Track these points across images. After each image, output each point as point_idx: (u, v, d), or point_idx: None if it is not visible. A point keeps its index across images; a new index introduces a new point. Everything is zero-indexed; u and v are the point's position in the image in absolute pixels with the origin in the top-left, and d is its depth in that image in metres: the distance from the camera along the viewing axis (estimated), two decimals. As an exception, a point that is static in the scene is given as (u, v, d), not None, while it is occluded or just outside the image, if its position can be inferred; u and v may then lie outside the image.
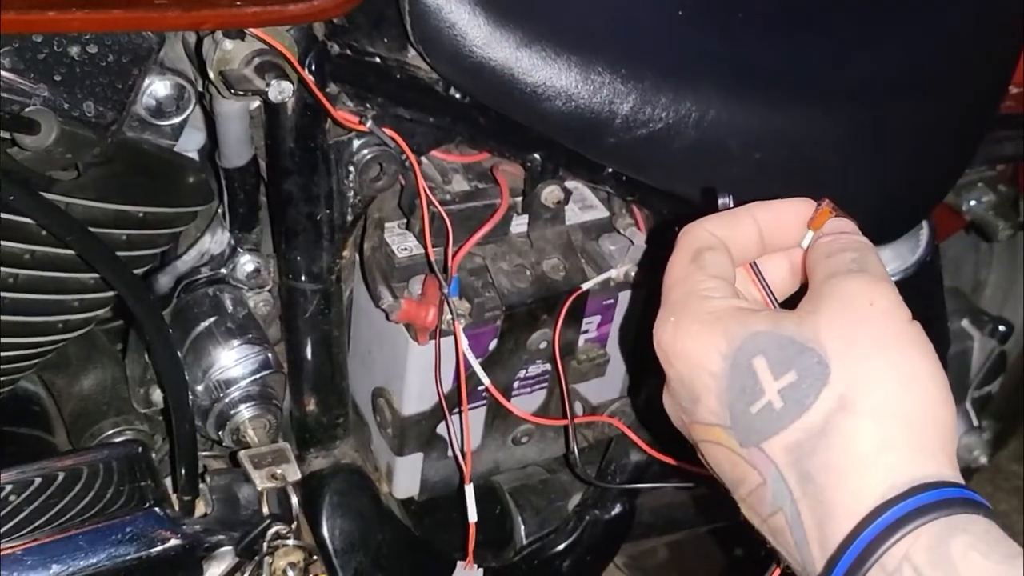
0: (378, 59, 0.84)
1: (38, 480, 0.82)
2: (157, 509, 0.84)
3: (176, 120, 0.79)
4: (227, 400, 0.89)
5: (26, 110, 0.70)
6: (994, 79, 1.09)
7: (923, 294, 1.23)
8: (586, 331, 1.03)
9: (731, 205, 0.63)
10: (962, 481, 0.49)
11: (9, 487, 0.81)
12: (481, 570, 1.07)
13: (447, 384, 0.96)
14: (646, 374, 1.07)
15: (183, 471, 0.85)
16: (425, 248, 0.90)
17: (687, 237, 0.61)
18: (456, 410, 0.97)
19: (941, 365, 0.51)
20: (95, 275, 0.79)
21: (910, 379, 0.50)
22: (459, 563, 1.05)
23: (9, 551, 0.79)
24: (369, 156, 0.86)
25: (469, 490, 0.97)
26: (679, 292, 0.57)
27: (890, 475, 0.48)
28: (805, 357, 0.50)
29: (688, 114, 0.89)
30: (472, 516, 0.97)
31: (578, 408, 1.08)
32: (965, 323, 1.47)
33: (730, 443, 0.52)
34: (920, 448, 0.49)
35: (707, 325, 0.53)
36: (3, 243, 0.73)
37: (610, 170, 0.96)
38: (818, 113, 0.96)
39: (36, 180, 0.72)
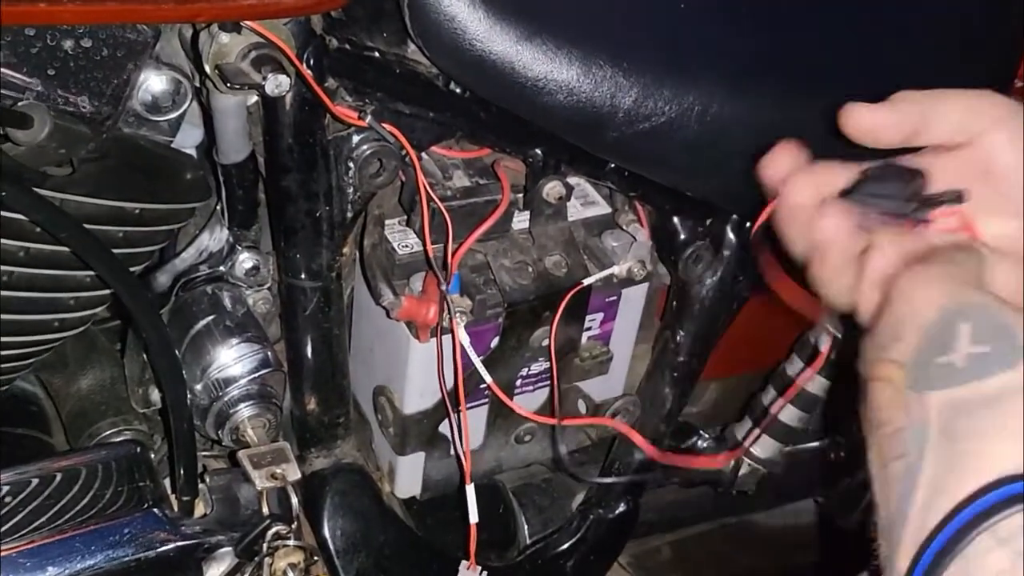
0: (377, 53, 0.82)
1: (35, 481, 0.80)
2: (156, 510, 0.83)
3: (172, 115, 0.77)
4: (226, 399, 0.87)
5: (19, 104, 0.68)
6: (998, 72, 1.07)
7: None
8: (589, 328, 1.01)
9: None
10: None
11: (6, 488, 0.79)
12: (484, 572, 1.05)
13: (450, 382, 0.94)
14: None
15: (182, 471, 0.84)
16: (424, 245, 0.88)
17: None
18: (457, 408, 0.95)
19: None
20: (91, 273, 0.77)
21: None
22: (462, 564, 1.03)
23: (6, 553, 0.77)
24: (369, 152, 0.84)
25: (470, 490, 0.95)
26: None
27: None
28: (1006, 341, 0.50)
29: (691, 108, 0.87)
30: (473, 517, 0.95)
31: (581, 406, 1.06)
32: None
33: (900, 381, 0.51)
34: None
35: (944, 280, 0.53)
36: (-3, 240, 0.71)
37: (612, 165, 0.94)
38: (823, 106, 0.94)
39: (29, 176, 0.70)
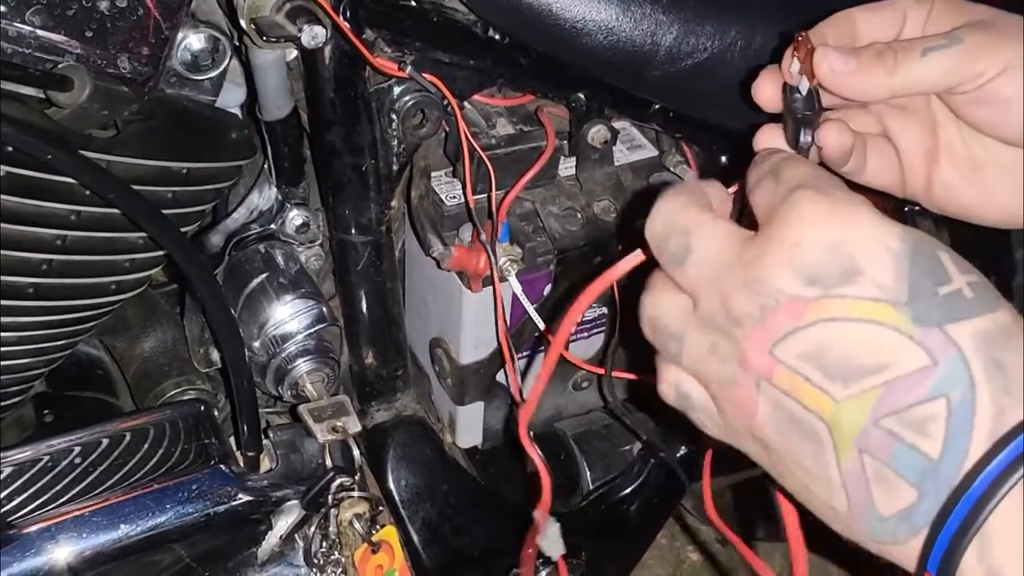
0: (414, 2, 0.79)
1: (106, 441, 0.79)
2: (222, 466, 0.82)
3: (213, 74, 0.74)
4: (284, 355, 0.85)
5: (58, 67, 0.66)
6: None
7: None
8: (641, 273, 0.97)
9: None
10: None
11: (78, 449, 0.78)
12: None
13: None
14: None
15: (245, 428, 0.82)
16: (465, 196, 0.85)
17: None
18: (511, 357, 0.92)
19: None
20: (143, 234, 0.75)
21: None
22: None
23: (79, 512, 0.76)
24: (411, 103, 0.81)
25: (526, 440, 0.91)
26: (833, 180, 0.49)
27: None
28: (978, 272, 0.45)
29: (734, 42, 0.83)
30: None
31: (637, 351, 1.02)
32: (1030, 251, 1.38)
33: (896, 320, 0.44)
34: None
35: (880, 214, 0.47)
36: (48, 204, 0.69)
37: (657, 106, 0.90)
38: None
39: (74, 139, 0.68)
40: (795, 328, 0.45)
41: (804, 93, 0.56)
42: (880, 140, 0.61)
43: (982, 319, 0.43)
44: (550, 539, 0.82)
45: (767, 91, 0.59)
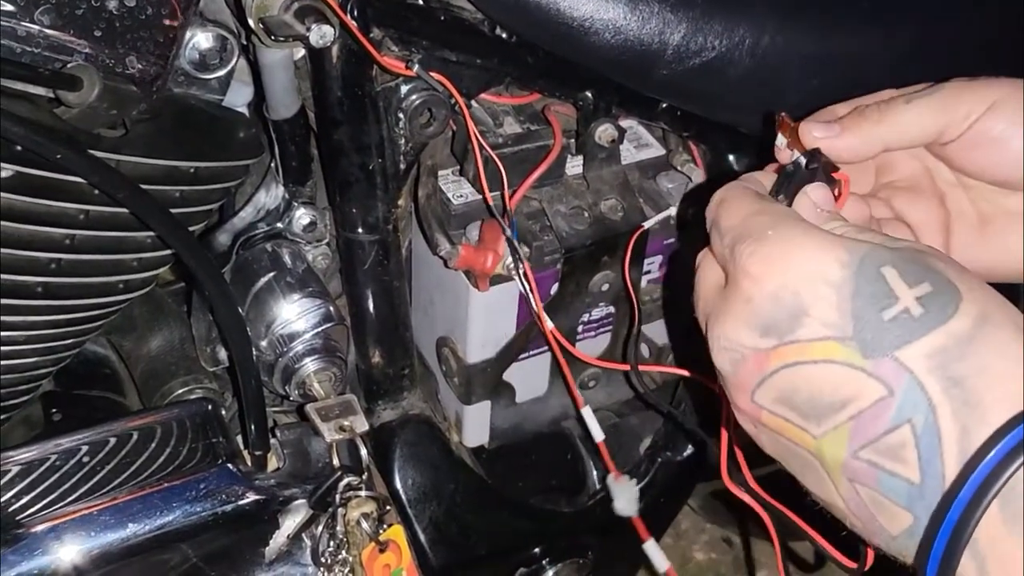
0: (421, 1, 0.79)
1: (113, 440, 0.79)
2: (230, 465, 0.81)
3: (221, 73, 0.74)
4: (291, 354, 0.85)
5: (67, 66, 0.66)
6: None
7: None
8: (648, 271, 0.97)
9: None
10: None
11: (86, 448, 0.78)
12: (635, 482, 0.99)
13: (511, 330, 0.91)
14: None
15: (253, 427, 0.82)
16: (482, 193, 0.85)
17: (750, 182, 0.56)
18: (523, 356, 0.92)
19: None
20: (151, 234, 0.75)
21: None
22: (610, 475, 0.98)
23: (86, 511, 0.76)
24: (418, 102, 0.81)
25: (587, 412, 0.93)
26: (767, 216, 0.50)
27: None
28: (934, 273, 0.45)
29: (742, 41, 0.82)
30: (598, 435, 0.94)
31: (645, 350, 1.02)
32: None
33: (846, 356, 0.45)
34: None
35: (819, 238, 0.47)
36: (57, 203, 0.69)
37: (664, 105, 0.90)
38: (877, 35, 0.88)
39: (83, 138, 0.68)
40: (763, 377, 0.47)
41: (803, 161, 0.56)
42: (894, 223, 0.61)
43: (933, 335, 0.43)
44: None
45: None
